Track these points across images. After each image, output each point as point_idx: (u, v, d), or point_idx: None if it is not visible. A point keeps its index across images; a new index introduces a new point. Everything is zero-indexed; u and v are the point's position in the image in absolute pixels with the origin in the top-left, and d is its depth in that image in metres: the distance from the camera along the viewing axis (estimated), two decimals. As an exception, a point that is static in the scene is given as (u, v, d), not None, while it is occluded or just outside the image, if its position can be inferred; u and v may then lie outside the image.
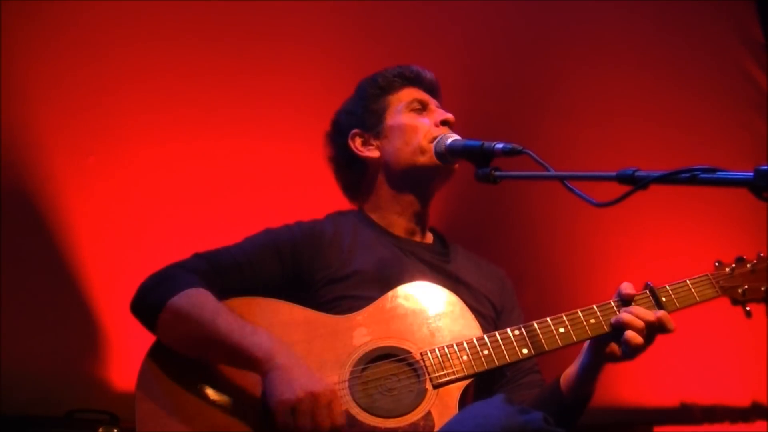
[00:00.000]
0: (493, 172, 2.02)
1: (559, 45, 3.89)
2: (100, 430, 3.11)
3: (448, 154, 2.25)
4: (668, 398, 3.84)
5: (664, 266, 3.74)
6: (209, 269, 2.23)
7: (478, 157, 2.07)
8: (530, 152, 1.96)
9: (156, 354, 2.15)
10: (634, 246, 3.83)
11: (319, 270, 2.29)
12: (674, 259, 3.75)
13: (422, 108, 2.50)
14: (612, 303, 2.18)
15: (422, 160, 2.40)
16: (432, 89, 2.56)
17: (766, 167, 1.43)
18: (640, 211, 3.48)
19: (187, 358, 2.12)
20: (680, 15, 3.92)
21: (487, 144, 2.06)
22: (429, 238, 2.54)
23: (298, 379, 1.97)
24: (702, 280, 2.28)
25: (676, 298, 2.21)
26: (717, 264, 2.34)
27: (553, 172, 1.90)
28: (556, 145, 3.55)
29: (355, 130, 2.54)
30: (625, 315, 2.11)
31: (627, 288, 2.19)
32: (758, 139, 3.91)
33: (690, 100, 3.92)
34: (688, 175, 1.58)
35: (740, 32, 3.95)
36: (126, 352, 3.31)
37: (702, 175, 1.56)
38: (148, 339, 2.18)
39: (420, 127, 2.44)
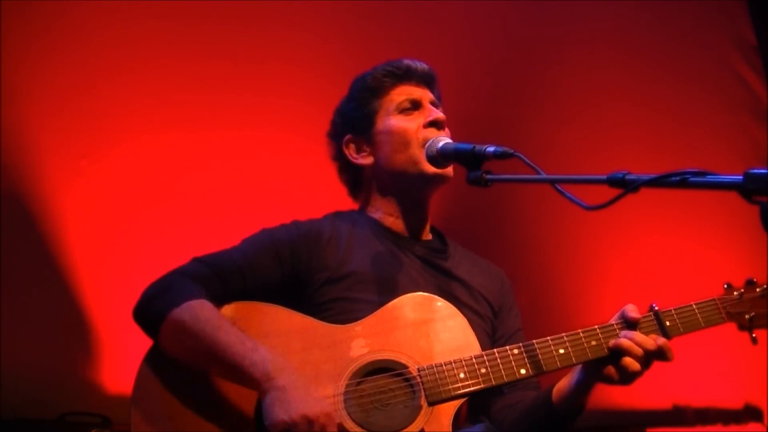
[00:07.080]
0: (484, 175, 2.01)
1: (551, 48, 3.90)
2: (93, 432, 3.12)
3: (439, 158, 2.24)
4: (661, 400, 3.84)
5: (655, 269, 3.76)
6: (211, 274, 2.21)
7: (470, 161, 2.06)
8: (521, 155, 1.95)
9: (152, 361, 2.14)
10: (626, 249, 3.83)
11: (317, 270, 2.27)
12: (666, 262, 3.77)
13: (413, 107, 2.43)
14: (614, 325, 2.13)
15: (413, 170, 2.36)
16: (427, 81, 2.49)
17: (755, 170, 1.42)
18: (631, 214, 3.48)
19: (185, 367, 2.11)
20: (672, 17, 3.92)
21: (478, 147, 2.04)
22: (428, 235, 2.50)
23: (295, 402, 1.95)
24: (709, 305, 2.21)
25: (680, 323, 2.16)
26: (726, 287, 2.26)
27: (544, 175, 1.89)
28: (547, 149, 3.55)
29: (349, 136, 2.49)
30: (624, 341, 2.06)
31: (632, 311, 2.12)
32: (751, 141, 3.91)
33: (682, 102, 3.92)
34: (678, 178, 1.57)
35: (732, 34, 3.95)
36: (118, 355, 3.31)
37: (692, 179, 1.56)
38: (140, 342, 2.17)
39: (409, 130, 2.38)
